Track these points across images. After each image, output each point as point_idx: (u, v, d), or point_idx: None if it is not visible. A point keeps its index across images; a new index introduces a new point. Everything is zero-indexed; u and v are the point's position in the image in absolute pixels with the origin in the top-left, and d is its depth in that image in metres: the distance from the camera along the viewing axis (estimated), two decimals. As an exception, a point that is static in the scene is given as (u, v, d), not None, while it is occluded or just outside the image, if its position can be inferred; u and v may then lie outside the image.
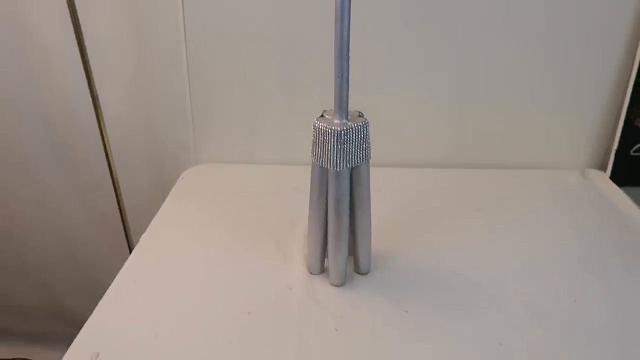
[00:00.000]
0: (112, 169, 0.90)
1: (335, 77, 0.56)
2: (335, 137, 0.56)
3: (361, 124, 0.57)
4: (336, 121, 0.57)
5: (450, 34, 0.83)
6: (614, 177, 0.87)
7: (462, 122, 0.91)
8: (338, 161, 0.57)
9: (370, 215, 0.63)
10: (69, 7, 0.76)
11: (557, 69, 0.85)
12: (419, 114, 0.91)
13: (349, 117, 0.58)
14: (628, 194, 0.85)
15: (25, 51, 0.89)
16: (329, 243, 0.63)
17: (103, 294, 0.63)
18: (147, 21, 0.84)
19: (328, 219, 0.62)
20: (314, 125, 0.58)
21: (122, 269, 0.68)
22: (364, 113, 0.60)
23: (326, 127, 0.56)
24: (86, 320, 0.59)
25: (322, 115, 0.60)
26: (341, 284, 0.65)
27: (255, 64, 0.87)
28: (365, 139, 0.58)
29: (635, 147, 0.84)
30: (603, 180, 0.88)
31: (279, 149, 0.95)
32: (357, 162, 0.58)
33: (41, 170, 1.00)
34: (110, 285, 0.64)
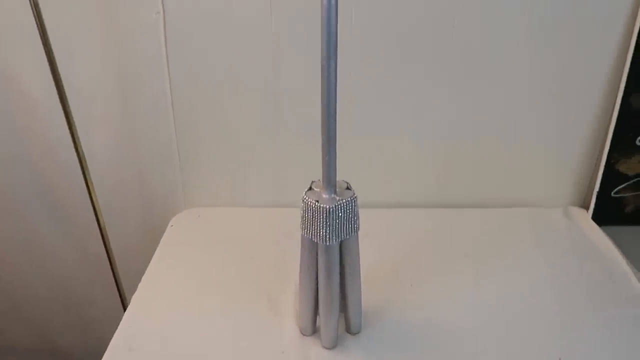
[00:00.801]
0: (99, 215, 0.89)
1: (323, 157, 0.57)
2: (325, 215, 0.57)
3: (349, 199, 0.58)
4: (325, 196, 0.58)
5: (435, 76, 0.84)
6: (596, 216, 0.89)
7: (447, 162, 0.92)
8: (328, 236, 0.58)
9: (360, 280, 0.65)
10: (47, 58, 0.75)
11: (541, 111, 0.86)
12: (404, 154, 0.91)
13: (337, 190, 0.59)
14: (609, 232, 0.87)
15: (8, 101, 0.88)
16: (320, 309, 0.64)
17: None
18: (131, 70, 0.84)
19: (319, 286, 0.63)
20: (303, 200, 0.59)
21: (115, 334, 0.68)
22: (349, 181, 0.61)
23: (315, 204, 0.57)
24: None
25: (310, 188, 0.61)
26: (333, 347, 0.66)
27: (241, 108, 0.87)
28: (354, 212, 0.59)
29: (616, 189, 0.86)
30: (585, 220, 0.90)
31: (268, 191, 0.95)
32: (347, 235, 0.59)
33: (29, 215, 0.99)
34: (105, 347, 0.65)
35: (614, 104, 0.82)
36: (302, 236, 0.61)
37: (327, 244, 0.58)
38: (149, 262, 0.83)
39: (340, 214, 0.58)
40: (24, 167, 0.94)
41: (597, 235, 0.87)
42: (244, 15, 0.78)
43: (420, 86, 0.85)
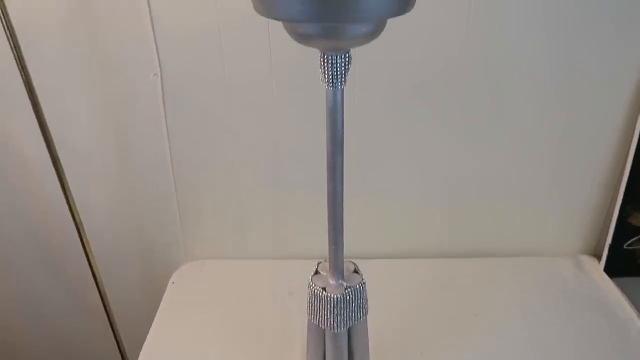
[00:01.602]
0: (95, 270, 0.87)
1: (329, 245, 0.55)
2: (333, 304, 0.55)
3: (358, 285, 0.56)
4: (332, 282, 0.56)
5: (443, 127, 0.81)
6: (608, 268, 0.87)
7: (455, 211, 0.90)
8: (336, 324, 0.56)
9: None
10: (36, 116, 0.73)
11: (551, 162, 0.84)
12: (411, 203, 0.89)
13: (344, 274, 0.57)
14: (621, 283, 0.85)
15: (2, 157, 0.86)
16: (328, 390, 0.62)
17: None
18: (130, 128, 0.81)
19: (326, 368, 0.61)
20: (309, 286, 0.57)
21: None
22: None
23: (322, 293, 0.55)
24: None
25: (316, 272, 0.58)
26: None
27: (241, 163, 0.85)
28: (363, 298, 0.57)
29: (629, 241, 0.84)
30: (597, 271, 0.88)
31: (269, 243, 0.93)
32: (355, 321, 0.57)
33: (27, 270, 0.97)
34: None
35: (626, 158, 0.80)
36: (309, 321, 0.59)
37: (335, 331, 0.56)
38: (150, 318, 0.81)
39: (348, 302, 0.56)
40: (20, 222, 0.92)
41: (610, 288, 0.85)
42: (243, 78, 0.77)
43: (427, 137, 0.82)
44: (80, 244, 0.84)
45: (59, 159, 0.76)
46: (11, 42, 0.67)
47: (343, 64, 0.43)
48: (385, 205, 0.90)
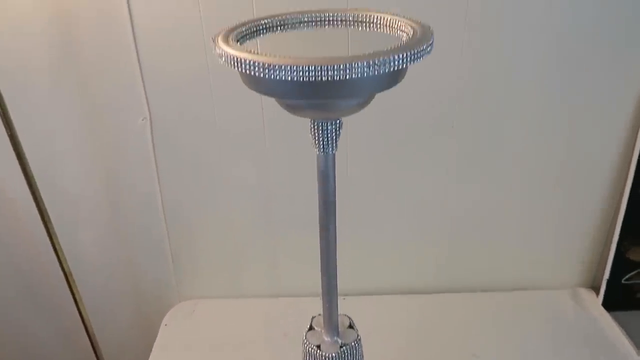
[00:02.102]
0: (83, 313, 0.85)
1: (324, 303, 0.53)
2: (328, 364, 0.53)
3: (353, 343, 0.55)
4: (326, 339, 0.55)
5: (439, 163, 0.81)
6: (606, 302, 0.86)
7: (452, 247, 0.89)
8: (331, 382, 0.55)
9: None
10: (19, 162, 0.71)
11: (548, 196, 0.83)
12: (407, 239, 0.88)
13: (339, 330, 0.56)
14: (619, 317, 0.84)
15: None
16: None
17: None
18: (119, 172, 0.80)
19: None
20: (304, 343, 0.55)
21: None
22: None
23: (317, 351, 0.54)
24: None
25: (310, 327, 0.57)
26: None
27: (233, 204, 0.84)
28: (358, 354, 0.56)
29: (627, 276, 0.83)
30: (595, 306, 0.87)
31: (264, 281, 0.92)
32: (351, 377, 0.56)
33: (15, 311, 0.95)
34: None
35: (622, 193, 0.79)
36: (304, 377, 0.58)
37: (331, 389, 0.55)
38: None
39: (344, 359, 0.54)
40: (8, 264, 0.90)
41: (608, 323, 0.83)
42: (234, 122, 0.76)
43: (421, 174, 0.82)
44: (67, 287, 0.82)
45: (43, 202, 0.74)
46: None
47: (334, 130, 0.42)
48: (381, 241, 0.88)
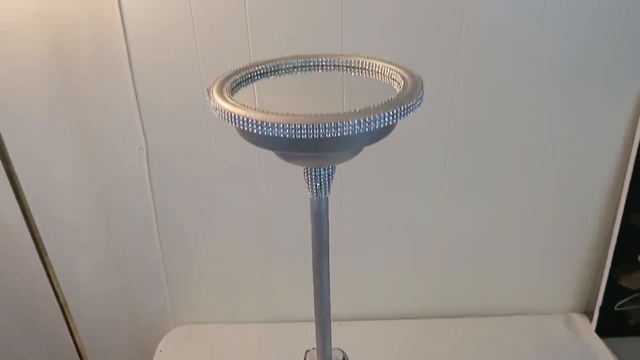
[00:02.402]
0: (78, 342, 0.85)
1: (317, 338, 0.54)
2: (321, 400, 0.54)
3: (347, 377, 0.55)
4: (320, 375, 0.55)
5: (433, 192, 0.81)
6: (599, 328, 0.86)
7: (446, 272, 0.89)
8: (325, 419, 0.55)
9: None
10: (14, 191, 0.71)
11: (540, 223, 0.84)
12: (400, 263, 0.89)
13: (333, 363, 0.56)
14: (612, 343, 0.84)
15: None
16: None
17: None
18: (115, 200, 0.80)
19: None
20: (298, 378, 0.56)
21: None
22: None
23: (311, 387, 0.54)
24: None
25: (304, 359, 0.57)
26: None
27: (229, 230, 0.84)
28: (351, 389, 0.56)
29: (620, 302, 0.84)
30: (588, 332, 0.87)
31: (259, 307, 0.92)
32: (345, 414, 0.56)
33: (13, 340, 0.94)
34: None
35: (614, 222, 0.80)
36: (298, 413, 0.58)
37: None
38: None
39: (337, 395, 0.55)
40: (3, 293, 0.90)
41: (601, 349, 0.84)
42: (230, 152, 0.76)
43: (416, 198, 0.82)
44: (61, 314, 0.82)
45: (37, 231, 0.74)
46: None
47: (327, 175, 0.43)
48: (375, 266, 0.89)
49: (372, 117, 0.33)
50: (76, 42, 0.68)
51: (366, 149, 0.82)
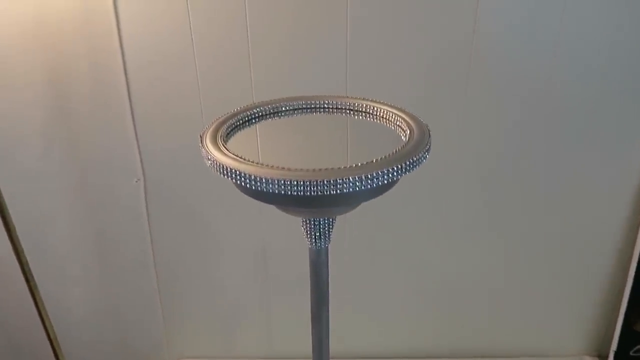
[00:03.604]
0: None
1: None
2: None
3: None
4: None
5: (439, 226, 0.78)
6: (614, 374, 0.83)
7: (454, 311, 0.85)
8: None
9: None
10: (3, 222, 0.69)
11: (552, 263, 0.80)
12: (407, 303, 0.85)
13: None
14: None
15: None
16: None
17: None
18: (111, 231, 0.78)
19: None
20: None
21: None
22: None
23: None
24: None
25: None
26: None
27: (226, 263, 0.81)
28: None
29: (635, 348, 0.80)
30: (603, 378, 0.84)
31: (256, 343, 0.88)
32: None
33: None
34: None
35: (629, 264, 0.77)
36: None
37: None
38: None
39: None
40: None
41: (617, 398, 0.80)
42: (229, 185, 0.74)
43: (422, 236, 0.79)
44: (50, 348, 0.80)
45: (28, 263, 0.72)
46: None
47: (327, 225, 0.40)
48: (380, 303, 0.85)
49: (374, 174, 0.31)
50: (74, 73, 0.66)
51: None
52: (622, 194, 0.74)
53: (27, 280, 0.73)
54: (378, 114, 0.41)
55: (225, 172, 0.32)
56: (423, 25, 0.64)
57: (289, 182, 0.30)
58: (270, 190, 0.31)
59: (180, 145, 0.70)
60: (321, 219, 0.39)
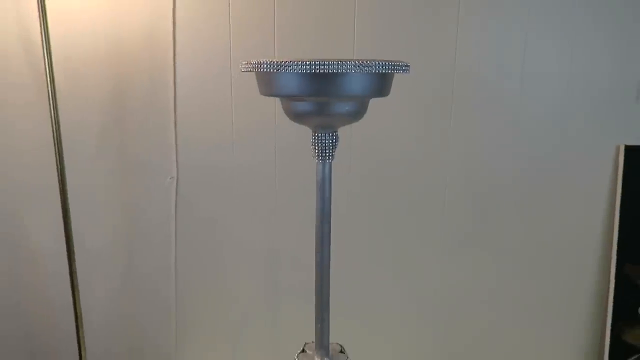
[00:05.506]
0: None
1: (316, 322, 0.57)
2: (318, 382, 0.55)
3: (343, 364, 0.57)
4: (317, 359, 0.57)
5: (435, 248, 0.87)
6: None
7: (448, 333, 0.90)
8: (320, 405, 0.55)
9: None
10: (63, 219, 0.79)
11: (541, 283, 0.88)
12: (405, 325, 0.91)
13: (330, 353, 0.58)
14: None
15: (17, 254, 0.90)
16: None
17: None
18: (140, 232, 0.88)
19: None
20: (295, 363, 0.57)
21: None
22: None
23: (307, 369, 0.56)
24: None
25: (303, 350, 0.59)
26: None
27: (241, 276, 0.90)
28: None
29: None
30: (599, 395, 0.85)
31: (267, 352, 0.92)
32: (340, 405, 0.57)
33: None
34: None
35: (609, 274, 0.83)
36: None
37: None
38: None
39: (333, 381, 0.56)
40: (19, 321, 0.93)
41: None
42: (251, 189, 0.86)
43: (420, 258, 0.88)
44: (76, 339, 0.84)
45: (74, 255, 0.80)
46: (56, 148, 0.78)
47: (331, 141, 0.51)
48: (375, 325, 0.91)
49: (366, 62, 0.43)
50: (133, 82, 0.82)
51: (368, 198, 0.92)
52: (595, 206, 0.84)
53: (72, 282, 0.81)
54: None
55: (251, 65, 0.45)
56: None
57: (304, 63, 0.43)
58: (291, 71, 0.43)
59: (213, 149, 0.83)
60: (326, 135, 0.51)
